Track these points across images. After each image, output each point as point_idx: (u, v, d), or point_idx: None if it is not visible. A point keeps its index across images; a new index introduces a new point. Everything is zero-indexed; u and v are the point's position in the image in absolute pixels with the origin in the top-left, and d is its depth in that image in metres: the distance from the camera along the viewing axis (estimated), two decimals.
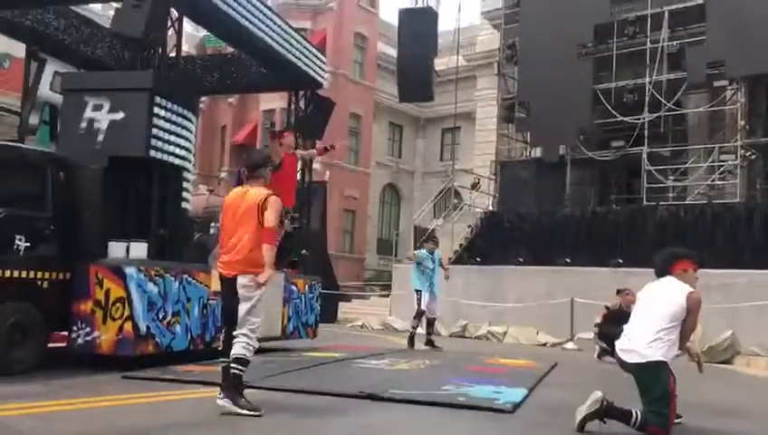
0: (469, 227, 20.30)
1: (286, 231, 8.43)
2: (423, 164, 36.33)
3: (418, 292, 11.21)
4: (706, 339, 12.79)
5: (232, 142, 32.40)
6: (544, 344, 15.15)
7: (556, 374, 8.63)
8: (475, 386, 6.56)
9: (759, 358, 12.49)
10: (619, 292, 11.36)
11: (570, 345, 14.55)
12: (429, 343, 11.35)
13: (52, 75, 10.22)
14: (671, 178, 18.66)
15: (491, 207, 21.45)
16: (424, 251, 11.63)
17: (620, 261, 15.81)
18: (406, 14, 20.65)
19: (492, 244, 19.12)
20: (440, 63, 22.81)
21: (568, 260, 16.86)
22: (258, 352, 5.56)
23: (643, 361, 4.75)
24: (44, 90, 10.15)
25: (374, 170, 33.84)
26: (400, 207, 36.05)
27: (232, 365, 5.05)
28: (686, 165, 18.55)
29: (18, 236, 6.54)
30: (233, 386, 5.06)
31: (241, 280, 5.11)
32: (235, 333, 5.09)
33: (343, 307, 20.89)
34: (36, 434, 4.34)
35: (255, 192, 5.23)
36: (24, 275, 6.56)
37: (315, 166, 17.96)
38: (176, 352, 7.40)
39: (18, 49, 12.52)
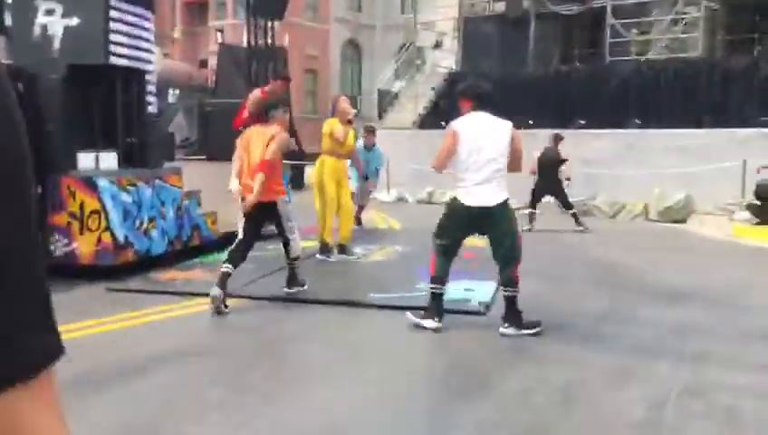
0: (432, 89, 20.16)
1: None
2: (383, 16, 35.31)
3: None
4: (664, 200, 13.34)
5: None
6: None
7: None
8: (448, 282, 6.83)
9: (712, 217, 13.06)
10: None
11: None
12: (357, 220, 10.99)
13: None
14: (634, 31, 18.61)
15: (455, 67, 21.22)
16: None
17: (582, 122, 16.01)
18: None
19: (456, 106, 19.05)
20: None
21: (530, 122, 16.99)
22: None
23: None
24: None
25: (333, 26, 32.87)
26: (361, 65, 35.37)
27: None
28: (650, 18, 18.45)
29: None
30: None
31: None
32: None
33: (308, 172, 20.85)
34: None
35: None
36: None
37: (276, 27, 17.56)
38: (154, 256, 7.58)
39: None
